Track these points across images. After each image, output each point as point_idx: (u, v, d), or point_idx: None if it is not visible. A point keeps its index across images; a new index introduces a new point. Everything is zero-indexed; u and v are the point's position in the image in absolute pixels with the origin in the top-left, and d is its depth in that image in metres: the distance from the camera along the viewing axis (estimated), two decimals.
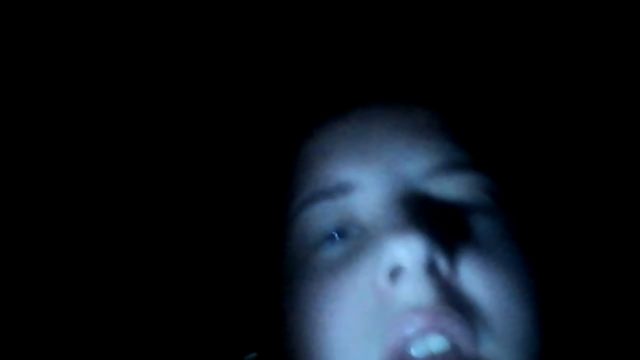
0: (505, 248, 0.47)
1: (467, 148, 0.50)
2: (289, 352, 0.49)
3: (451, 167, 0.48)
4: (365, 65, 0.58)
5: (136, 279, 0.63)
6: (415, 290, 0.42)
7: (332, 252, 0.47)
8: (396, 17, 0.62)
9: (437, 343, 0.42)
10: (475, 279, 0.44)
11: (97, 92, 0.65)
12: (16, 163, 0.62)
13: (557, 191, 0.58)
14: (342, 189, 0.48)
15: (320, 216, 0.48)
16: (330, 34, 0.62)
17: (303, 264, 0.49)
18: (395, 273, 0.43)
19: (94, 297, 0.63)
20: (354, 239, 0.47)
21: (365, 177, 0.48)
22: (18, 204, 0.62)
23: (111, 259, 0.64)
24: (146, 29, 0.65)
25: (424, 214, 0.45)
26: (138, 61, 0.66)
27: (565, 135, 0.62)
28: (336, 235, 0.48)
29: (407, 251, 0.42)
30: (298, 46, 0.62)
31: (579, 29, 0.63)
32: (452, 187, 0.48)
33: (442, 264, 0.43)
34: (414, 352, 0.42)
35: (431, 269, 0.42)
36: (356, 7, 0.62)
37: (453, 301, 0.43)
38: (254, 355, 0.58)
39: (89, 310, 0.63)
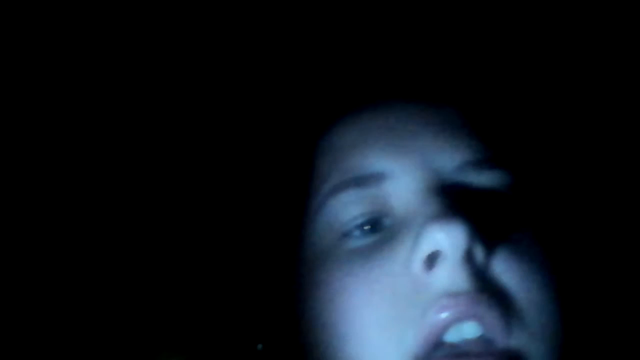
0: (535, 245, 0.48)
1: (496, 146, 0.51)
2: (305, 342, 0.49)
3: (481, 163, 0.49)
4: (398, 61, 0.59)
5: (149, 260, 0.63)
6: (452, 276, 0.43)
7: (361, 241, 0.48)
8: (429, 17, 0.62)
9: (470, 330, 0.43)
10: (508, 270, 0.45)
11: (110, 93, 0.65)
12: (16, 163, 0.62)
13: (579, 190, 0.59)
14: (375, 178, 0.49)
15: (351, 204, 0.49)
16: (368, 26, 0.62)
17: (329, 252, 0.49)
18: (431, 259, 0.44)
19: (103, 280, 0.63)
20: (384, 229, 0.48)
21: (398, 168, 0.48)
22: (18, 204, 0.62)
23: (125, 239, 0.64)
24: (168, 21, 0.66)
25: (461, 203, 0.45)
26: (159, 52, 0.66)
27: (587, 131, 0.62)
28: (367, 226, 0.48)
29: (449, 237, 0.42)
30: (333, 36, 0.62)
31: (600, 27, 0.63)
32: (482, 183, 0.49)
33: (479, 252, 0.44)
34: (447, 338, 0.43)
35: (469, 256, 0.43)
36: (391, 2, 0.62)
37: (488, 289, 0.43)
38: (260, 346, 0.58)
39: (97, 289, 0.63)
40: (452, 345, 0.43)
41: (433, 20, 0.63)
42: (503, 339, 0.43)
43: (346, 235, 0.49)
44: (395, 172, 0.49)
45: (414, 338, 0.43)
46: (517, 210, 0.49)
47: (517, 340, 0.43)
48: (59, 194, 0.63)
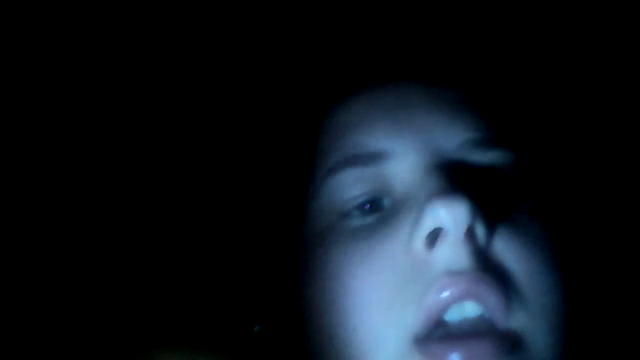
0: (535, 225, 0.47)
1: (499, 126, 0.50)
2: (304, 322, 0.49)
3: (484, 142, 0.48)
4: (403, 42, 0.58)
5: (148, 237, 0.63)
6: (453, 254, 0.42)
7: (361, 221, 0.47)
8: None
9: (471, 309, 0.42)
10: (509, 250, 0.44)
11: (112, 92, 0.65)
12: (16, 163, 0.61)
13: (582, 171, 0.59)
14: (376, 157, 0.48)
15: (351, 182, 0.48)
16: (374, 6, 0.61)
17: (329, 231, 0.48)
18: (433, 237, 0.43)
19: (104, 262, 0.62)
20: (384, 209, 0.47)
21: (399, 146, 0.48)
22: (18, 204, 0.61)
23: (128, 222, 0.63)
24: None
25: (463, 181, 0.45)
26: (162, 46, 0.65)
27: (589, 111, 0.62)
28: (367, 206, 0.47)
29: (451, 213, 0.42)
30: (340, 15, 0.61)
31: (600, 8, 0.63)
32: (484, 161, 0.48)
33: (481, 231, 0.43)
34: (448, 317, 0.42)
35: (470, 235, 0.42)
36: None
37: (489, 269, 0.43)
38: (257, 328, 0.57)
39: (98, 266, 0.62)
40: (452, 325, 0.42)
41: (439, 1, 0.62)
42: (503, 319, 0.42)
43: (346, 214, 0.48)
44: (396, 151, 0.48)
45: (414, 317, 0.43)
46: (520, 190, 0.49)
47: (517, 320, 0.43)
48: (58, 193, 0.62)
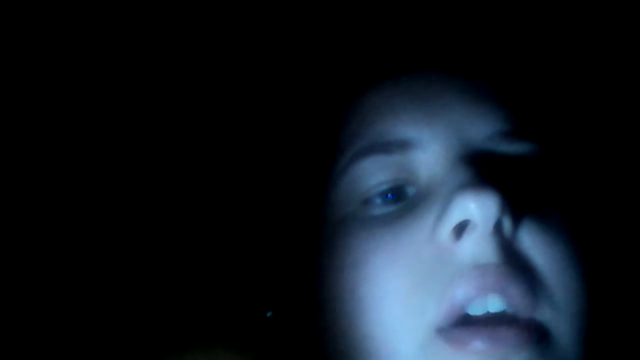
0: (559, 218, 0.47)
1: (526, 118, 0.49)
2: (322, 310, 0.48)
3: (511, 134, 0.48)
4: (433, 33, 0.57)
5: (160, 225, 0.62)
6: (480, 247, 0.42)
7: (383, 209, 0.46)
8: None
9: (495, 303, 0.41)
10: (535, 243, 0.44)
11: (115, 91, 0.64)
12: (16, 163, 0.61)
13: (609, 165, 0.58)
14: (402, 145, 0.47)
15: (375, 170, 0.47)
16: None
17: (351, 218, 0.47)
18: (459, 229, 0.42)
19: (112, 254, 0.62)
20: (407, 198, 0.46)
21: (427, 136, 0.47)
22: (18, 204, 0.61)
23: (138, 215, 0.63)
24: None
25: (491, 174, 0.44)
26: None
27: (615, 105, 0.61)
28: (390, 195, 0.47)
29: (482, 206, 0.41)
30: (365, 5, 0.60)
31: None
32: (511, 153, 0.47)
33: (507, 225, 0.42)
34: (470, 310, 0.42)
35: (498, 228, 0.42)
36: None
37: (515, 263, 0.42)
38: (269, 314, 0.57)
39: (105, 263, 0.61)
40: (476, 319, 0.42)
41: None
42: (528, 312, 0.42)
43: (368, 201, 0.47)
44: (423, 140, 0.47)
45: (436, 309, 0.42)
46: (547, 183, 0.48)
47: (542, 314, 0.42)
48: (64, 194, 0.62)
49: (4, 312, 0.57)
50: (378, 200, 0.47)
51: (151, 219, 0.62)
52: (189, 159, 0.62)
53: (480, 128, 0.47)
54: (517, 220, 0.43)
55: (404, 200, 0.47)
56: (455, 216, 0.42)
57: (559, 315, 0.43)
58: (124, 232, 0.61)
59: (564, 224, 0.46)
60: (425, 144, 0.47)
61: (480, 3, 0.60)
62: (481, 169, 0.44)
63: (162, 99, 0.63)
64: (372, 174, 0.47)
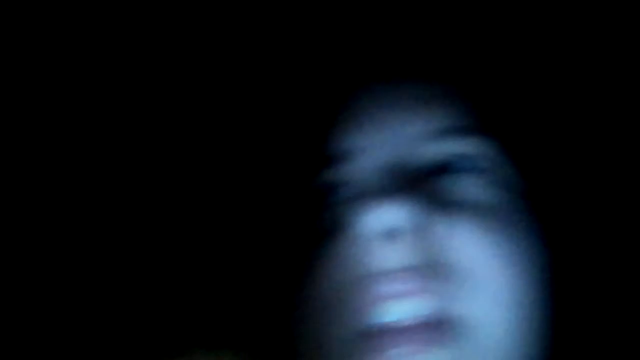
0: (496, 210, 0.47)
1: (467, 114, 0.50)
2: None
3: (450, 131, 0.49)
4: (363, 47, 0.59)
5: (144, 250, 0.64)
6: (390, 253, 0.43)
7: (325, 222, 0.49)
8: None
9: (410, 306, 0.43)
10: (456, 240, 0.45)
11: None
12: (16, 163, 0.63)
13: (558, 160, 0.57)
14: (342, 158, 0.49)
15: (322, 185, 0.50)
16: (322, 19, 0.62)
17: (306, 235, 0.50)
18: (371, 238, 0.44)
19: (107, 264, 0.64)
20: (339, 210, 0.48)
21: (359, 146, 0.49)
22: (18, 204, 0.63)
23: (129, 228, 0.65)
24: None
25: (407, 178, 0.46)
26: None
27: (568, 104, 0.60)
28: (329, 207, 0.49)
29: (389, 216, 0.43)
30: (295, 35, 0.62)
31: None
32: (448, 150, 0.49)
33: (422, 228, 0.44)
34: (389, 317, 0.43)
35: (401, 232, 0.43)
36: None
37: (429, 263, 0.44)
38: None
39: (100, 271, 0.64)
40: (393, 322, 0.43)
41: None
42: (445, 309, 0.43)
43: (316, 218, 0.50)
44: (356, 150, 0.49)
45: (355, 316, 0.44)
46: (483, 177, 0.49)
47: (462, 307, 0.43)
48: (64, 194, 0.64)
49: (4, 313, 0.60)
50: (325, 215, 0.50)
51: (149, 222, 0.65)
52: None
53: (416, 128, 0.49)
54: (433, 220, 0.45)
55: (342, 204, 0.48)
56: (364, 227, 0.43)
57: (482, 305, 0.44)
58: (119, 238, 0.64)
59: (495, 217, 0.47)
60: (358, 153, 0.49)
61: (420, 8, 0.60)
62: (402, 174, 0.46)
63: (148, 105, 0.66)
64: (320, 190, 0.50)
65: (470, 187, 0.48)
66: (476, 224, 0.46)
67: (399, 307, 0.43)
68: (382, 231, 0.43)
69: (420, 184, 0.47)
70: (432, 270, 0.43)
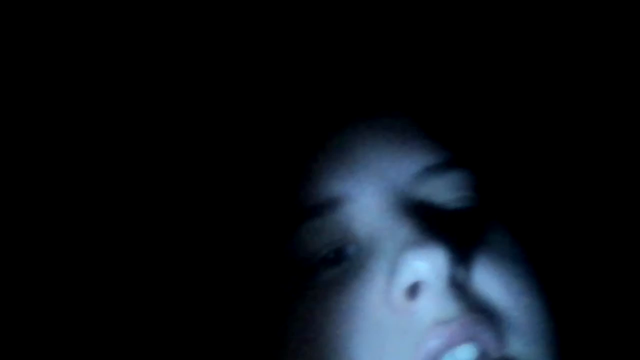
0: (508, 242, 0.47)
1: (451, 147, 0.49)
2: None
3: (439, 167, 0.47)
4: (337, 83, 0.56)
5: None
6: (439, 304, 0.41)
7: (328, 273, 0.45)
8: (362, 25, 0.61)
9: (464, 353, 0.41)
10: (489, 279, 0.44)
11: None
12: (15, 163, 0.60)
13: (544, 183, 0.59)
14: (330, 204, 0.45)
15: (311, 237, 0.45)
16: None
17: (301, 289, 0.45)
18: (413, 288, 0.42)
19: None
20: (349, 257, 0.45)
21: (354, 189, 0.46)
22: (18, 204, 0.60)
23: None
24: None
25: (431, 218, 0.44)
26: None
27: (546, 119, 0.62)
28: (331, 256, 0.45)
29: (431, 265, 0.40)
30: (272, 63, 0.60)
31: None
32: (443, 187, 0.47)
33: (460, 275, 0.42)
34: None
35: (452, 281, 0.42)
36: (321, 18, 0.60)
37: (476, 307, 0.42)
38: None
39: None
40: None
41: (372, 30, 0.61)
42: (498, 352, 0.42)
43: (311, 271, 0.45)
44: (351, 194, 0.46)
45: None
46: (486, 210, 0.48)
47: (513, 348, 0.42)
48: (58, 193, 0.60)
49: (5, 313, 0.56)
50: (322, 266, 0.45)
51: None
52: None
53: (406, 168, 0.46)
54: (467, 265, 0.43)
55: (346, 260, 0.45)
56: (405, 278, 0.41)
57: (528, 342, 0.43)
58: None
59: (514, 248, 0.47)
60: (354, 198, 0.46)
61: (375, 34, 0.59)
62: (420, 217, 0.44)
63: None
64: (309, 241, 0.45)
65: (478, 220, 0.47)
66: (500, 263, 0.45)
67: (455, 355, 0.41)
68: (440, 280, 0.41)
69: (441, 227, 0.44)
70: (477, 316, 0.42)
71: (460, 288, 0.42)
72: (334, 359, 0.43)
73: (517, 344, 0.42)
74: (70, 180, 0.61)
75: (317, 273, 0.45)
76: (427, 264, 0.40)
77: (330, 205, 0.45)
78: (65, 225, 0.60)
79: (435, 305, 0.41)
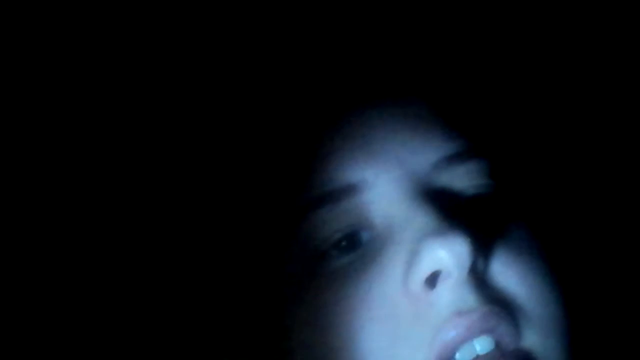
0: (524, 233, 0.46)
1: (472, 136, 0.48)
2: None
3: (458, 156, 0.46)
4: (355, 66, 0.55)
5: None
6: (459, 294, 0.41)
7: (342, 260, 0.44)
8: (379, 12, 0.60)
9: (483, 344, 0.41)
10: (507, 271, 0.43)
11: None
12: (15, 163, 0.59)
13: (564, 171, 0.58)
14: (347, 190, 0.45)
15: (325, 222, 0.44)
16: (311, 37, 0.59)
17: (312, 274, 0.44)
18: (432, 277, 0.41)
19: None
20: (364, 244, 0.44)
21: (371, 175, 0.45)
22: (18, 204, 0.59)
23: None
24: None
25: (452, 211, 0.43)
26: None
27: (565, 111, 0.61)
28: (344, 242, 0.44)
29: (453, 255, 0.40)
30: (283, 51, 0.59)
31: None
32: (463, 176, 0.46)
33: (481, 265, 0.42)
34: (459, 356, 0.41)
35: (473, 271, 0.41)
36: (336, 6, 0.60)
37: (494, 299, 0.42)
38: None
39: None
40: None
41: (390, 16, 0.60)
42: (514, 344, 0.42)
43: (323, 256, 0.44)
44: (368, 181, 0.45)
45: (424, 359, 0.41)
46: (504, 200, 0.47)
47: (528, 340, 0.42)
48: (58, 194, 0.60)
49: (5, 313, 0.56)
50: (334, 252, 0.44)
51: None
52: None
53: (425, 156, 0.46)
54: (486, 256, 0.43)
55: (360, 247, 0.44)
56: (426, 267, 0.41)
57: (544, 334, 0.43)
58: None
59: (530, 239, 0.46)
60: (371, 184, 0.45)
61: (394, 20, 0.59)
62: (439, 205, 0.43)
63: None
64: (322, 226, 0.44)
65: (496, 210, 0.46)
66: (518, 254, 0.44)
67: (473, 346, 0.41)
68: (462, 270, 0.40)
69: (461, 216, 0.43)
70: (495, 307, 0.41)
71: (479, 279, 0.42)
72: (346, 348, 0.42)
73: (532, 336, 0.42)
74: (71, 180, 0.60)
75: (329, 259, 0.44)
76: (449, 253, 0.40)
77: (348, 190, 0.45)
78: (65, 225, 0.60)
79: (454, 295, 0.41)
